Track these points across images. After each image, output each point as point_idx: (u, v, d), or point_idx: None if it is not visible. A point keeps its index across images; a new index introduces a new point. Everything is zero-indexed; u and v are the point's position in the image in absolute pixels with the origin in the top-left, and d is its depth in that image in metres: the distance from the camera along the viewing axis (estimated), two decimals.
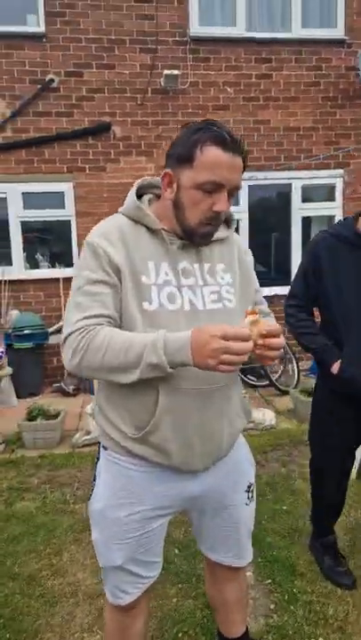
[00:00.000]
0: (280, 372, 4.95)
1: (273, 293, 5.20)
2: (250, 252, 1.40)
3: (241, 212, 5.37)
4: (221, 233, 1.26)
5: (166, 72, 4.85)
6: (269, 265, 5.89)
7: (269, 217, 5.82)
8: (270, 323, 1.10)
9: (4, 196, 5.00)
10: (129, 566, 1.24)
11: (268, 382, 4.74)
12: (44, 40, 4.86)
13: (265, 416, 3.88)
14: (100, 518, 1.25)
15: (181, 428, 1.15)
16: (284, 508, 2.66)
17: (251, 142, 5.25)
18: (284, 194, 5.60)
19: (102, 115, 5.02)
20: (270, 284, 5.61)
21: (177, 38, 5.01)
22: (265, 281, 5.53)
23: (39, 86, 4.86)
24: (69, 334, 1.09)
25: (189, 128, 1.12)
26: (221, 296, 1.20)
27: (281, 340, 1.06)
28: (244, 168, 1.14)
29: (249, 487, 1.38)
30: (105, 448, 1.26)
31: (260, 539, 2.31)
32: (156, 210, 1.20)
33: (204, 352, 0.97)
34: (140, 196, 1.25)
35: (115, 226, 1.18)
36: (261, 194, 5.60)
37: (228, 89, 5.20)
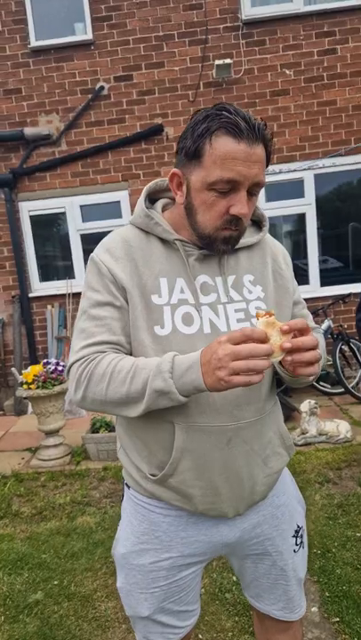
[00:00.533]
0: (358, 378, 4.53)
1: (348, 292, 4.78)
2: (288, 257, 1.19)
3: (306, 204, 4.95)
4: (249, 237, 1.08)
5: (218, 62, 4.55)
6: (347, 259, 5.33)
7: (344, 206, 5.28)
8: (296, 320, 0.87)
9: (62, 210, 5.03)
10: (158, 617, 1.10)
11: (343, 390, 4.36)
12: (92, 47, 4.78)
13: (340, 428, 3.54)
14: (124, 564, 1.12)
15: (203, 471, 1.00)
16: (359, 534, 2.37)
17: (315, 127, 4.81)
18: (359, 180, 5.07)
19: (154, 117, 4.86)
20: (347, 280, 5.17)
21: (228, 24, 4.69)
22: (341, 277, 5.20)
23: (89, 96, 4.79)
24: (72, 364, 0.99)
25: (199, 115, 0.94)
26: (249, 314, 1.02)
27: (312, 339, 0.85)
28: (269, 159, 0.95)
29: (297, 532, 1.18)
30: (128, 486, 1.13)
31: (329, 570, 2.07)
32: (172, 217, 1.04)
33: (211, 365, 0.82)
34: (154, 202, 1.09)
35: (121, 238, 1.04)
36: (331, 182, 5.11)
37: (287, 71, 4.78)
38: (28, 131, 4.75)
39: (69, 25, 4.79)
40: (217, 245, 0.98)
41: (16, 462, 3.67)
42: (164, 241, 1.03)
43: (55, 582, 2.28)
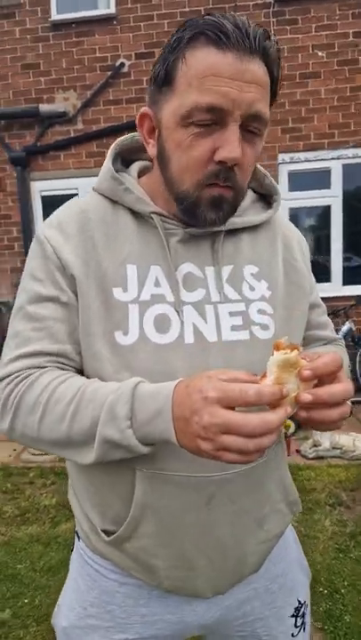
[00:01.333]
0: None
1: None
2: (304, 244, 0.89)
3: (332, 196, 4.63)
4: (254, 215, 0.80)
5: None
6: None
7: None
8: (325, 359, 0.58)
9: (75, 191, 4.84)
10: None
11: None
12: (115, 22, 4.57)
13: (356, 443, 3.21)
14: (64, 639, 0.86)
15: (171, 537, 0.73)
16: None
17: (347, 114, 4.50)
18: None
19: None
20: None
21: (258, 1, 4.41)
22: None
23: (109, 73, 4.59)
24: (1, 379, 0.72)
25: (179, 26, 0.67)
26: (249, 319, 0.75)
27: (344, 387, 0.58)
28: (276, 86, 0.68)
29: (298, 610, 0.90)
30: (78, 537, 0.87)
31: (336, 615, 1.80)
32: (150, 184, 0.77)
33: (190, 428, 0.57)
34: (127, 164, 0.82)
35: (77, 209, 0.77)
36: None
37: (320, 53, 4.47)
38: (44, 107, 4.58)
39: None
40: (201, 211, 0.70)
41: (7, 454, 3.50)
42: (136, 214, 0.76)
43: (26, 600, 2.06)
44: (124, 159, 0.83)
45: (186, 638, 0.89)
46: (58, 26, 4.58)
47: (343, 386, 0.58)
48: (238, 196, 0.72)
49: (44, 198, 4.89)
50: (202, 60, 0.62)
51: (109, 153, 0.79)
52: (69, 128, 4.72)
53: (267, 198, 0.86)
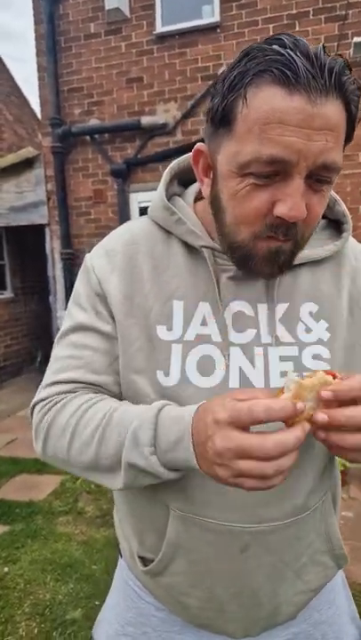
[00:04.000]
0: None
1: None
2: None
3: None
4: (319, 245, 0.73)
5: (356, 39, 3.97)
6: None
7: None
8: (352, 382, 0.53)
9: None
10: None
11: None
12: (218, 30, 4.50)
13: None
14: None
15: (202, 579, 0.72)
16: None
17: None
18: None
19: None
20: None
21: None
22: None
23: (210, 82, 4.53)
24: (34, 405, 0.75)
25: (240, 54, 0.59)
26: (301, 365, 0.69)
27: None
28: (354, 126, 0.60)
29: None
30: (120, 555, 0.88)
31: None
32: (206, 211, 0.71)
33: (207, 454, 0.55)
34: (187, 184, 0.81)
35: (128, 237, 0.75)
36: None
37: None
38: (145, 120, 4.66)
39: (197, 8, 4.56)
40: (255, 264, 0.64)
41: None
42: (189, 246, 0.72)
43: (97, 602, 2.12)
44: (183, 179, 0.78)
45: None
46: (162, 38, 4.63)
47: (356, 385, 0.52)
48: (299, 248, 0.65)
49: (141, 209, 4.99)
50: (266, 102, 0.55)
51: (163, 177, 0.75)
52: (169, 139, 4.75)
53: (337, 224, 0.77)
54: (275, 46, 0.55)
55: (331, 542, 0.77)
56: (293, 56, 0.54)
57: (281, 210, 0.58)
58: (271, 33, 4.34)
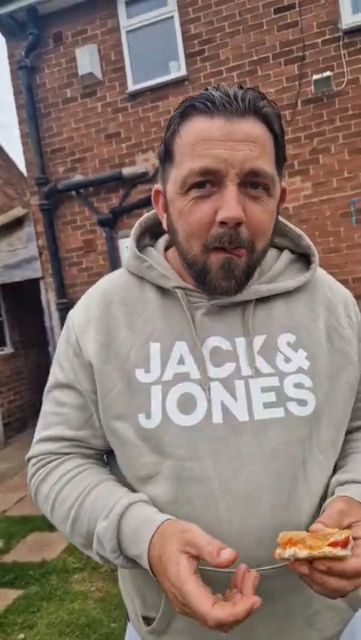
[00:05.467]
0: None
1: None
2: (354, 306, 0.81)
3: None
4: (290, 279, 0.76)
5: (315, 77, 4.24)
6: None
7: None
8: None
9: None
10: None
11: None
12: (186, 83, 4.80)
13: None
14: None
15: (205, 637, 0.68)
16: None
17: None
18: None
19: None
20: None
21: (327, 37, 4.36)
22: None
23: None
24: (28, 460, 0.82)
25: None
26: (284, 394, 0.69)
27: (351, 567, 0.55)
28: (280, 144, 0.68)
29: None
30: (128, 618, 0.87)
31: None
32: (176, 257, 0.76)
33: (164, 579, 0.59)
34: (158, 237, 0.84)
35: (102, 291, 0.79)
36: None
37: None
38: (126, 171, 4.88)
39: (164, 64, 4.89)
40: (212, 279, 0.67)
41: None
42: (162, 290, 0.75)
43: None
44: (155, 232, 0.84)
45: None
46: (134, 95, 4.93)
47: (352, 566, 0.54)
48: (253, 259, 0.68)
49: None
50: (193, 129, 0.65)
51: (133, 231, 0.81)
52: (150, 186, 4.95)
53: (308, 257, 0.80)
54: (202, 91, 0.66)
55: None
56: (212, 92, 0.65)
57: (220, 215, 0.63)
58: (236, 80, 4.63)
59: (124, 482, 0.74)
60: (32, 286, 5.46)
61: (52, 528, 3.27)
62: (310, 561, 0.56)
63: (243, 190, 0.65)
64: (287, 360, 0.71)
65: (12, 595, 2.61)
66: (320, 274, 0.82)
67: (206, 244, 0.66)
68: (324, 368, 0.72)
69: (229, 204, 0.63)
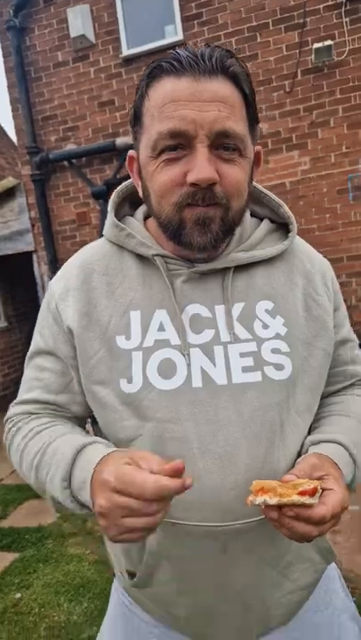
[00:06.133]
0: None
1: None
2: (330, 275, 0.83)
3: None
4: (268, 247, 0.77)
5: (316, 46, 4.10)
6: None
7: None
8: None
9: None
10: None
11: None
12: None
13: None
14: None
15: (189, 586, 0.74)
16: None
17: None
18: None
19: None
20: None
21: (329, 3, 4.18)
22: None
23: None
24: (5, 422, 0.86)
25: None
26: (261, 359, 0.71)
27: (318, 513, 0.60)
28: (250, 103, 0.67)
29: None
30: (114, 574, 0.91)
31: None
32: (155, 226, 0.76)
33: (97, 510, 0.59)
34: (135, 208, 0.84)
35: (82, 260, 0.80)
36: None
37: None
38: (120, 141, 4.76)
39: (160, 29, 4.69)
40: (187, 234, 0.68)
41: None
42: (142, 258, 0.76)
43: None
44: (134, 202, 0.84)
45: None
46: (129, 61, 4.75)
47: (317, 513, 0.59)
48: (228, 215, 0.68)
49: None
50: (160, 90, 0.64)
51: (111, 200, 0.81)
52: None
53: (287, 226, 0.81)
54: (170, 52, 0.66)
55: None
56: (179, 52, 0.64)
57: (191, 177, 0.63)
58: (234, 46, 4.47)
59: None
60: (25, 259, 5.40)
61: None
62: (280, 507, 0.60)
63: (215, 152, 0.65)
64: (265, 326, 0.73)
65: (9, 557, 2.73)
66: (299, 243, 0.83)
67: (179, 202, 0.66)
68: (300, 335, 0.75)
69: (200, 165, 0.62)
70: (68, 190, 5.10)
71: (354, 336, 0.87)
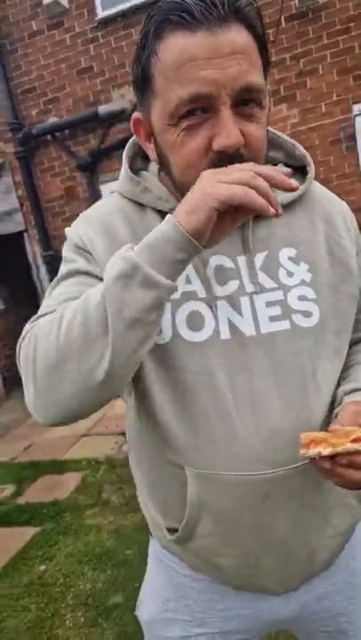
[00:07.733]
0: None
1: None
2: (351, 218, 0.81)
3: None
4: (285, 192, 0.69)
5: None
6: None
7: None
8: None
9: None
10: None
11: None
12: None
13: None
14: (149, 634, 0.89)
15: (232, 536, 0.73)
16: None
17: None
18: None
19: None
20: None
21: None
22: None
23: None
24: (19, 347, 0.66)
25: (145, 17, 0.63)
26: (288, 307, 0.71)
27: None
28: (264, 45, 0.62)
29: None
30: (150, 533, 0.88)
31: None
32: (169, 181, 0.72)
33: (207, 187, 0.54)
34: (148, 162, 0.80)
35: (102, 210, 0.76)
36: None
37: None
38: (102, 109, 4.60)
39: None
40: None
41: (109, 447, 3.65)
42: (161, 212, 0.73)
43: (136, 584, 2.15)
44: (145, 155, 0.79)
45: (266, 632, 0.90)
46: (105, 23, 4.56)
47: None
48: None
49: None
50: (173, 48, 0.58)
51: (125, 152, 0.77)
52: (129, 125, 4.70)
53: (303, 170, 0.78)
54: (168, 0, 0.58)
55: None
56: (186, 2, 0.56)
57: (217, 143, 0.59)
58: None
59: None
60: (17, 240, 5.29)
61: (61, 471, 3.38)
62: (332, 457, 0.60)
63: (235, 110, 0.60)
64: (290, 274, 0.72)
65: (29, 532, 2.75)
66: (317, 187, 0.81)
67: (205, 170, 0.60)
68: (325, 279, 0.74)
69: (226, 129, 0.58)
70: (53, 165, 4.96)
71: None
